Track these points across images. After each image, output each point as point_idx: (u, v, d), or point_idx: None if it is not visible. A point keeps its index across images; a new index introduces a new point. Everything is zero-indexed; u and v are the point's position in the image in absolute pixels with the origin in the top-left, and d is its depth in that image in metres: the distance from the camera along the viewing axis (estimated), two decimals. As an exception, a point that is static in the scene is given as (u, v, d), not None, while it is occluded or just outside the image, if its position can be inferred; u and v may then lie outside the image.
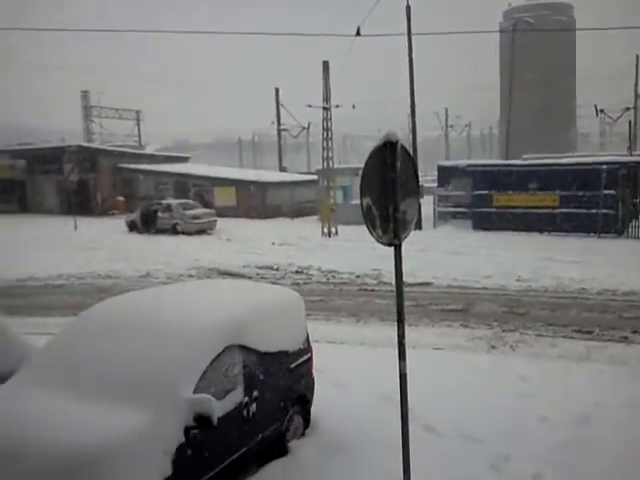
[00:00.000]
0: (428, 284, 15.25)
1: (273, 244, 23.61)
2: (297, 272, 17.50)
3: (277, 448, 6.07)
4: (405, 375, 4.70)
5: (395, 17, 27.29)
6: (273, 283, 14.47)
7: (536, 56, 78.91)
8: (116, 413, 4.51)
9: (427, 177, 51.90)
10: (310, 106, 30.15)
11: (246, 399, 5.50)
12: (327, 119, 27.36)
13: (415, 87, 27.52)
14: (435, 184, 32.20)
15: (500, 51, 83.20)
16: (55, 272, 17.98)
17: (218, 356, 5.22)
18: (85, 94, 57.08)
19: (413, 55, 26.75)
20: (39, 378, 5.11)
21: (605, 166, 23.49)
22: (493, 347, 10.11)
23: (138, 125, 58.92)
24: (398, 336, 4.68)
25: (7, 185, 41.90)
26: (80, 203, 34.36)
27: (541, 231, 24.52)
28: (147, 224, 28.44)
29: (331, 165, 27.66)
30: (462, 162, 31.82)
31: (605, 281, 14.74)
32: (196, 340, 5.17)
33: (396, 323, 4.71)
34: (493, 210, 25.94)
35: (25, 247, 23.48)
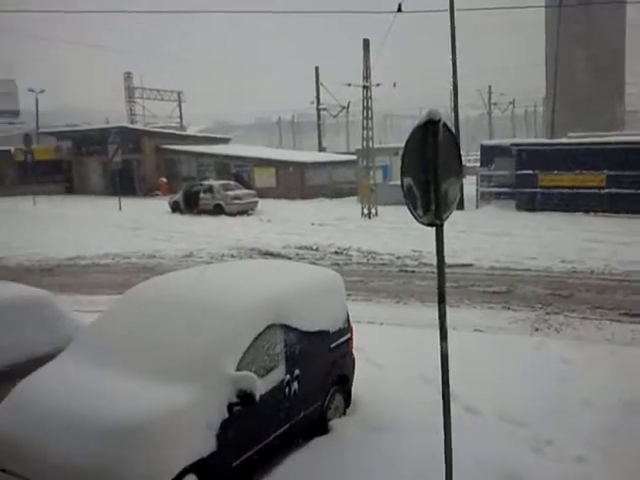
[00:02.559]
0: (470, 265, 15.09)
1: (313, 225, 23.67)
2: (337, 253, 17.53)
3: (319, 426, 6.14)
4: (446, 356, 4.67)
5: (438, -8, 26.70)
6: (313, 263, 14.54)
7: (583, 31, 76.33)
8: (162, 387, 4.64)
9: (470, 157, 51.11)
10: (350, 85, 29.87)
11: (287, 377, 5.58)
12: (367, 98, 27.07)
13: (458, 65, 27.03)
14: (478, 164, 31.70)
15: (546, 26, 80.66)
16: (102, 251, 18.44)
17: (260, 335, 5.29)
18: (128, 75, 57.85)
19: (456, 32, 26.23)
20: (88, 353, 5.28)
21: (654, 144, 22.72)
22: (536, 330, 9.97)
23: (180, 106, 59.51)
24: (439, 316, 4.65)
25: (54, 166, 43.02)
26: (124, 184, 34.97)
27: (587, 212, 23.91)
28: (189, 205, 28.83)
29: (371, 145, 27.43)
30: (506, 141, 31.16)
31: (654, 263, 14.32)
32: (239, 319, 5.26)
33: (437, 304, 4.68)
34: (537, 190, 25.42)
35: (73, 227, 24.13)
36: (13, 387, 5.01)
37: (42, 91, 54.95)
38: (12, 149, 41.80)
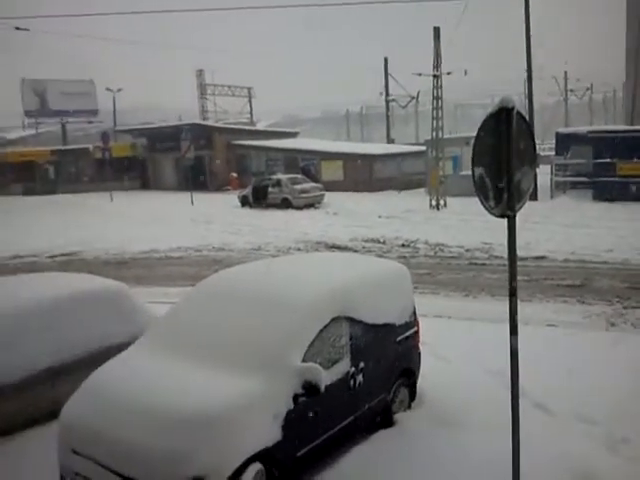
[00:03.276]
0: (543, 258, 14.61)
1: (380, 217, 23.53)
2: (404, 245, 17.37)
3: (383, 419, 6.12)
4: (516, 351, 4.54)
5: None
6: (379, 256, 14.47)
7: (669, 9, 72.05)
8: (230, 378, 4.74)
9: (544, 145, 49.38)
10: (420, 74, 29.45)
11: (352, 369, 5.58)
12: (437, 87, 26.59)
13: (532, 50, 26.15)
14: (552, 152, 30.62)
15: (627, 6, 76.72)
16: (174, 245, 19.01)
17: (325, 327, 5.31)
18: (200, 73, 59.07)
19: (530, 16, 25.35)
20: (160, 344, 5.46)
21: None
22: (613, 324, 9.56)
23: (250, 102, 60.22)
24: (510, 311, 4.53)
25: (130, 163, 44.58)
26: (196, 179, 35.78)
27: (670, 202, 22.67)
28: (258, 199, 29.27)
29: (441, 135, 26.96)
30: (582, 128, 29.95)
31: None
32: (305, 311, 5.30)
33: (508, 298, 4.56)
34: (616, 179, 24.27)
35: (147, 222, 24.99)
36: (87, 375, 5.24)
37: (119, 90, 56.80)
38: (91, 147, 43.63)
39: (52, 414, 5.34)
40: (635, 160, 23.83)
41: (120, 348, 5.78)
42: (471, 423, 6.00)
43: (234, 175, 40.26)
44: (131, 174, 44.54)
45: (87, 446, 4.69)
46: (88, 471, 4.67)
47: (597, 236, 16.81)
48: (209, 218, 25.62)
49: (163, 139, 43.05)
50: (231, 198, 32.10)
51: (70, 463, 4.83)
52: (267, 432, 4.64)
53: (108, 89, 55.43)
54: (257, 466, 4.58)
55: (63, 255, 18.35)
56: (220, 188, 39.77)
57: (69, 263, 16.87)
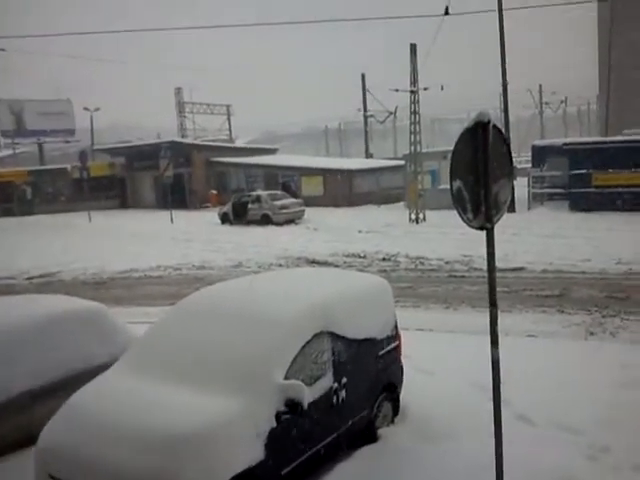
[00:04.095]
0: (522, 269, 14.75)
1: (360, 232, 23.59)
2: (384, 259, 17.42)
3: (367, 435, 6.09)
4: (497, 362, 4.57)
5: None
6: (360, 271, 14.49)
7: (638, 26, 73.76)
8: (212, 397, 4.69)
9: (521, 158, 50.10)
10: (397, 90, 29.82)
11: (335, 385, 5.55)
12: (415, 102, 26.91)
13: (507, 65, 26.58)
14: (529, 165, 31.06)
15: (599, 21, 78.37)
16: (154, 264, 18.84)
17: (308, 343, 5.29)
18: (178, 91, 59.05)
19: (505, 31, 25.84)
20: (140, 364, 5.39)
21: None
22: (592, 334, 9.66)
23: (229, 119, 60.26)
24: (490, 322, 4.56)
25: (108, 182, 44.24)
26: (175, 197, 35.60)
27: (645, 211, 23.06)
28: (238, 216, 29.19)
29: (419, 149, 27.23)
30: (558, 140, 30.43)
31: None
32: (286, 327, 5.27)
33: (488, 309, 4.59)
34: (592, 190, 24.68)
35: (126, 241, 24.77)
36: (68, 398, 5.15)
37: (97, 109, 56.55)
38: (69, 167, 43.24)
39: (31, 438, 5.23)
40: (610, 171, 24.24)
41: (101, 369, 5.69)
42: (454, 435, 5.99)
43: (214, 192, 40.17)
44: (110, 193, 44.22)
45: (65, 470, 4.60)
46: (67, 496, 4.57)
47: (574, 246, 17.02)
48: (189, 236, 25.47)
49: (142, 157, 42.81)
50: (211, 215, 31.99)
51: (48, 489, 4.72)
52: (250, 451, 4.59)
53: (85, 109, 55.13)
54: (241, 486, 4.52)
55: (41, 276, 18.10)
56: (200, 206, 39.62)
57: (47, 284, 16.64)
